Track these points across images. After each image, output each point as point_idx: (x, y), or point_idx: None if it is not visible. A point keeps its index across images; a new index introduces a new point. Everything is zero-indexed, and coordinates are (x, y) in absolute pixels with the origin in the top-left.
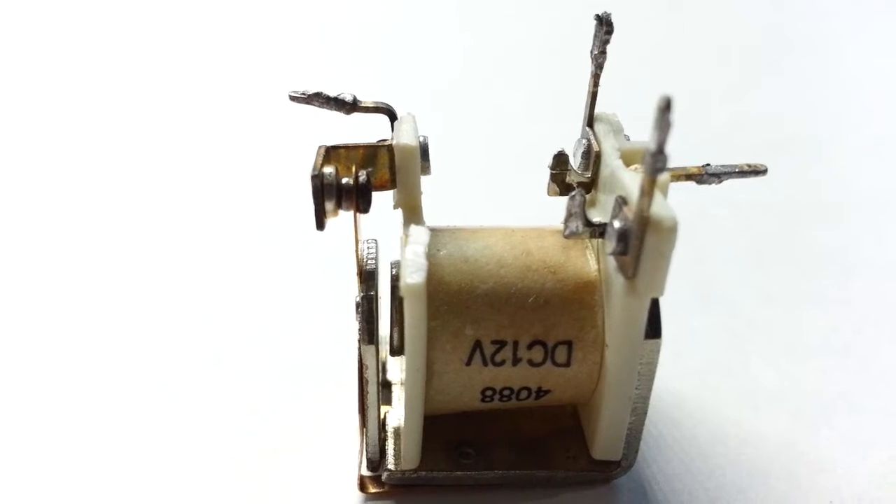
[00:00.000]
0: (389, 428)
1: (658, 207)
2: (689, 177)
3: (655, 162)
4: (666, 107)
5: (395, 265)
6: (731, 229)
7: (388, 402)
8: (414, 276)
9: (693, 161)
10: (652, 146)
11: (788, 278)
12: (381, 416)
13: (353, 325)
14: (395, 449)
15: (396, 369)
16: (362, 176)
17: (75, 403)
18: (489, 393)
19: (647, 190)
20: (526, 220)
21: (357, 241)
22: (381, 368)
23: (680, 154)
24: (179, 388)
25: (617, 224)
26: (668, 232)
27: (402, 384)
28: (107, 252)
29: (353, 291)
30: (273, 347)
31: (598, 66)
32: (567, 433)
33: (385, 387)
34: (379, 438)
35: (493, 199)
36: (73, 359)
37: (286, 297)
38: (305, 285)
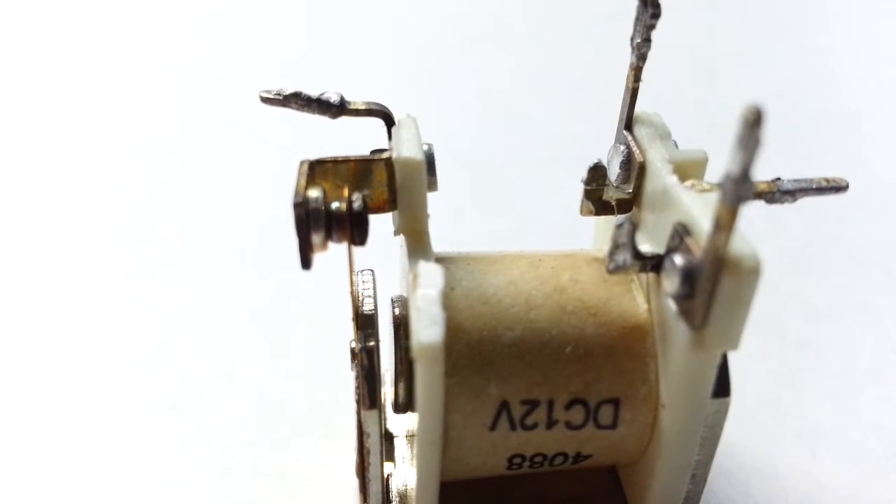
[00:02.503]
0: (394, 491)
1: (736, 243)
2: (757, 195)
3: (739, 190)
4: (755, 120)
5: (398, 302)
6: (763, 230)
7: (391, 457)
8: (429, 331)
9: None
10: (735, 170)
11: (832, 285)
12: (385, 479)
13: (341, 361)
14: None
15: (400, 416)
16: (357, 201)
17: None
18: (517, 460)
19: (726, 223)
20: (550, 241)
21: (351, 276)
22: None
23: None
24: (139, 437)
25: (679, 260)
26: (750, 274)
27: (408, 439)
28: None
29: (336, 315)
30: (244, 385)
31: (641, 56)
32: (604, 496)
33: (387, 439)
34: None
35: (508, 214)
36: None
37: (257, 327)
38: (281, 311)
